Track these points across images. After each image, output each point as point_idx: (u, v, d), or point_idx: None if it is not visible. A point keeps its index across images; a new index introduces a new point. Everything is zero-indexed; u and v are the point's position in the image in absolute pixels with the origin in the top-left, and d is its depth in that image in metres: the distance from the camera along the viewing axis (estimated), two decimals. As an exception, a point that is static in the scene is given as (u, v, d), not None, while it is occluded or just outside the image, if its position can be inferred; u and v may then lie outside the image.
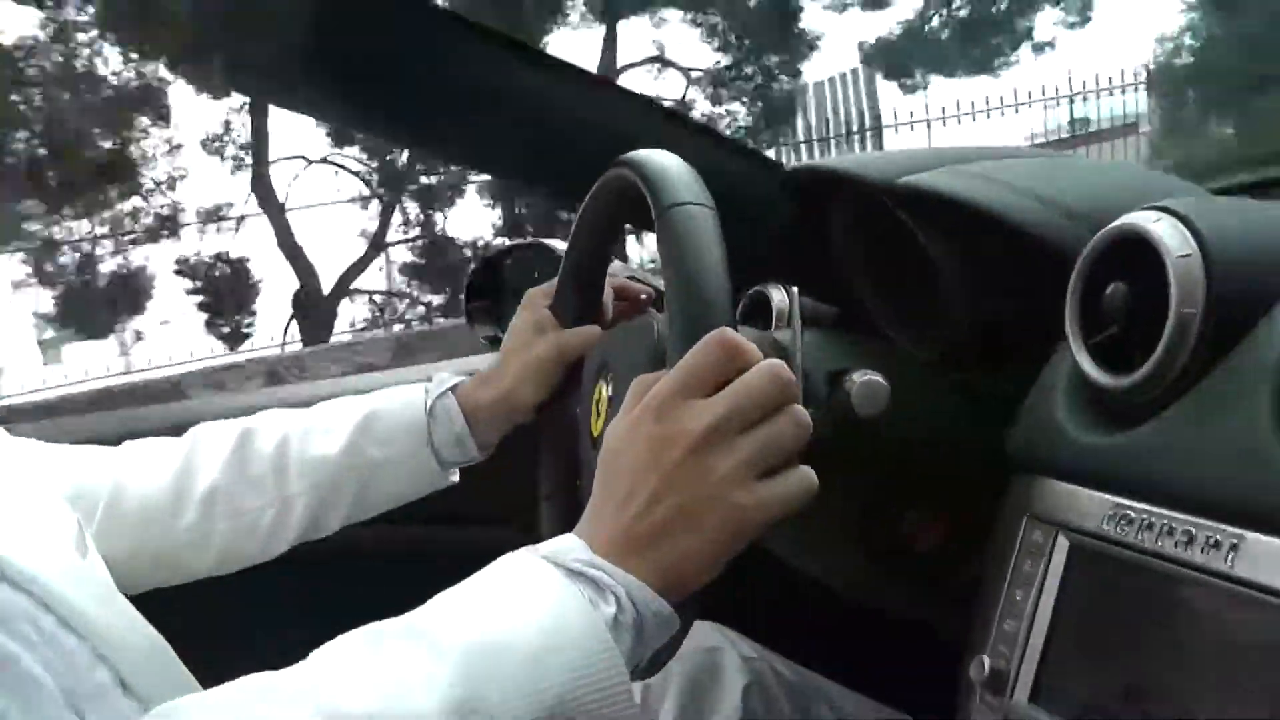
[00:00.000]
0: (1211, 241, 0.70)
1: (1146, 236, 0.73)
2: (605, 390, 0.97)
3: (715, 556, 0.68)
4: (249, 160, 11.42)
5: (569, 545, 0.67)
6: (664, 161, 0.83)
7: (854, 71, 13.92)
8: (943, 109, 11.42)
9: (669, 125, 1.11)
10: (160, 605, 0.89)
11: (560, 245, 1.29)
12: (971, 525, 0.90)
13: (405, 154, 11.04)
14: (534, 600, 0.64)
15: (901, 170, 0.97)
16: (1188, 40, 11.91)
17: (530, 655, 0.61)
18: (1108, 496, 0.73)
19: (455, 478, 1.10)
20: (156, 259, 11.75)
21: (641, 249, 9.33)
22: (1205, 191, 0.89)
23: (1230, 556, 0.62)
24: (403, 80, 1.07)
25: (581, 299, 1.07)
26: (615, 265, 1.12)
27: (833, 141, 12.68)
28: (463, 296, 1.39)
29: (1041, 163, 0.98)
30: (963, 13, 12.94)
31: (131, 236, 11.60)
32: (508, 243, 1.39)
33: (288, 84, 1.11)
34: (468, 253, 11.43)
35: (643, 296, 1.13)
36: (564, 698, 0.61)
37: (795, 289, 0.96)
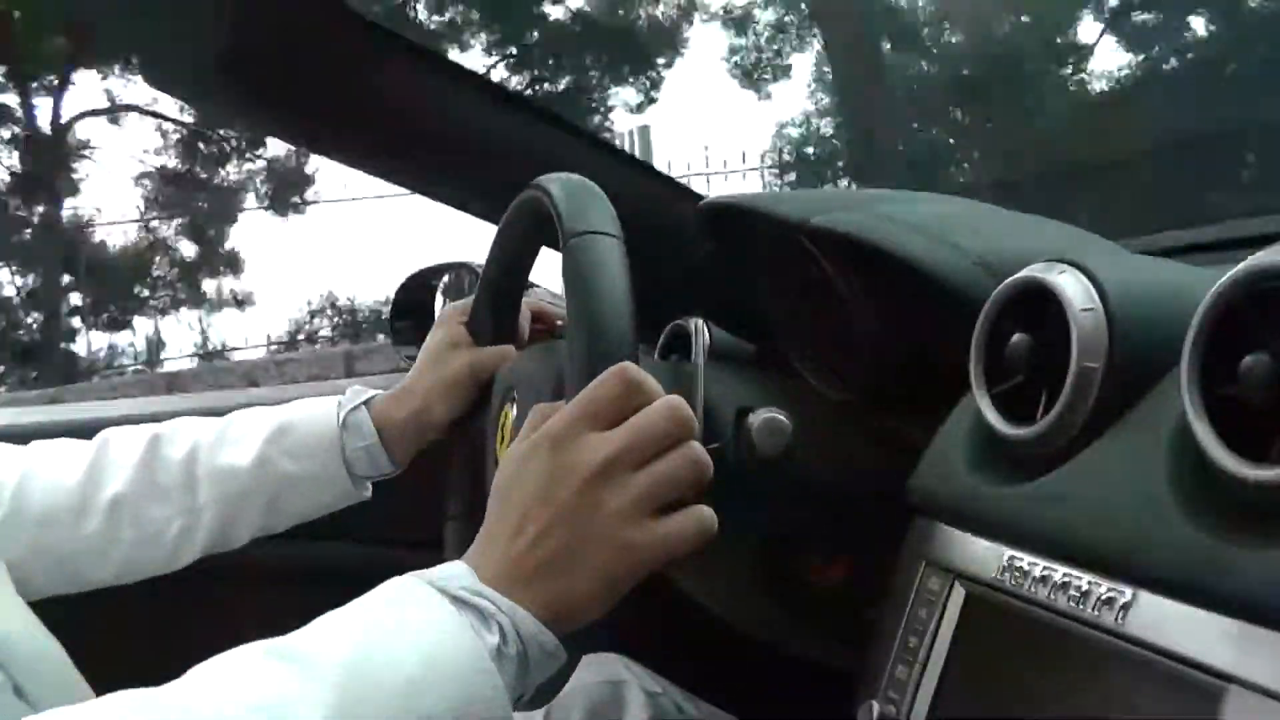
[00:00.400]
0: (1115, 297, 0.70)
1: (1050, 288, 0.73)
2: (511, 413, 0.95)
3: (604, 593, 0.67)
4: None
5: (456, 572, 0.66)
6: (574, 188, 0.82)
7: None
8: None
9: (591, 150, 1.10)
10: (59, 611, 0.86)
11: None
12: (872, 568, 0.90)
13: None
14: (416, 626, 0.62)
15: (815, 209, 0.97)
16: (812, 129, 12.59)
17: (409, 682, 0.60)
18: (1004, 547, 0.72)
19: (368, 493, 1.08)
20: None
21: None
22: (1122, 249, 0.89)
23: (1122, 615, 0.62)
24: (321, 87, 1.05)
25: (497, 318, 1.06)
26: (538, 290, 1.11)
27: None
28: (388, 314, 1.37)
29: (958, 209, 0.98)
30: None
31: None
32: (432, 265, 1.37)
33: (202, 83, 1.09)
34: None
35: (559, 322, 1.12)
36: None
37: (700, 322, 0.95)
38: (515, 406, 0.95)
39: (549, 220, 0.83)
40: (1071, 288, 0.72)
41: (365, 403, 1.06)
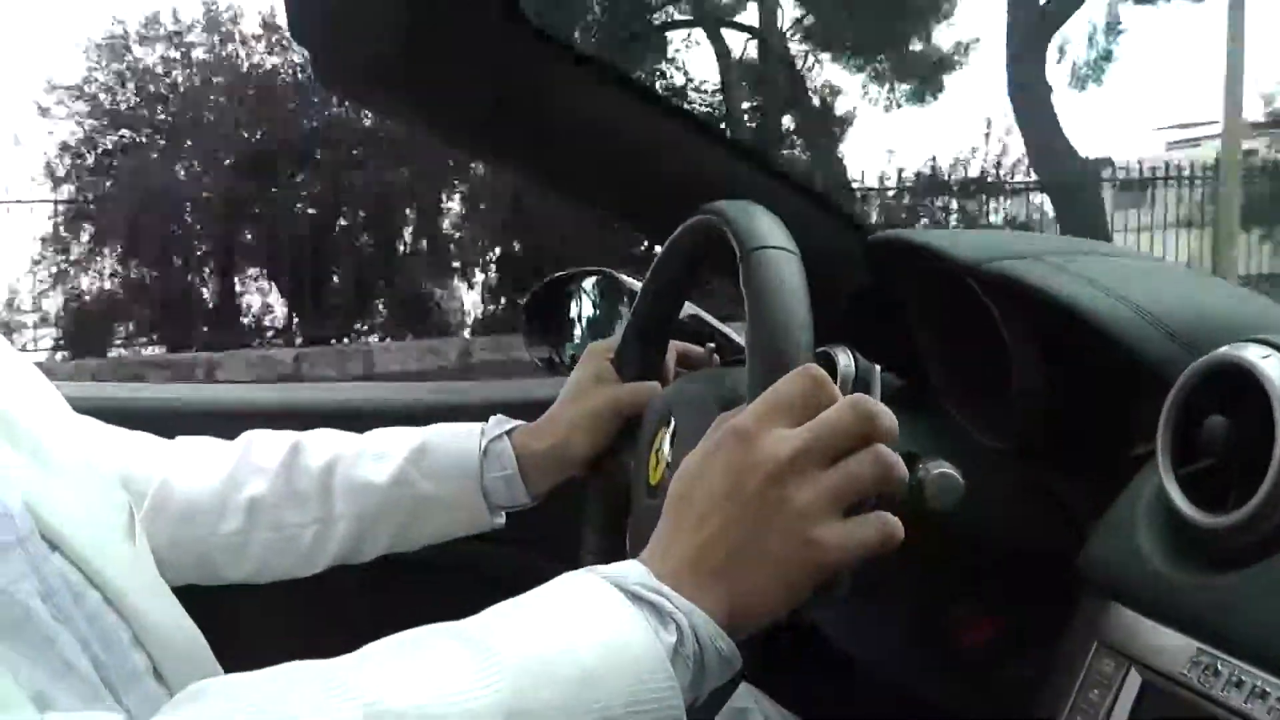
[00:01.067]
0: None
1: (1253, 372, 0.70)
2: (666, 437, 0.94)
3: (784, 593, 0.66)
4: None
5: (632, 569, 0.65)
6: (749, 208, 0.83)
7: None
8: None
9: (760, 174, 1.09)
10: (198, 602, 0.88)
11: (627, 279, 1.27)
12: (1024, 630, 0.88)
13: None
14: (593, 619, 0.62)
15: (992, 254, 0.95)
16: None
17: (585, 672, 0.59)
18: (1193, 641, 0.70)
19: (501, 521, 1.08)
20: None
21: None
22: None
23: (1328, 734, 0.60)
24: (488, 91, 1.05)
25: (644, 356, 1.06)
26: (697, 313, 1.10)
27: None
28: (522, 315, 1.37)
29: (1142, 268, 0.95)
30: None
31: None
32: (572, 270, 1.37)
33: (375, 81, 1.09)
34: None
35: (708, 358, 1.12)
36: None
37: (877, 367, 0.94)
38: (672, 431, 0.94)
39: (717, 244, 0.83)
40: (1275, 371, 0.69)
41: (507, 432, 1.06)
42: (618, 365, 1.07)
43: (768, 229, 0.79)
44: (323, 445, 1.06)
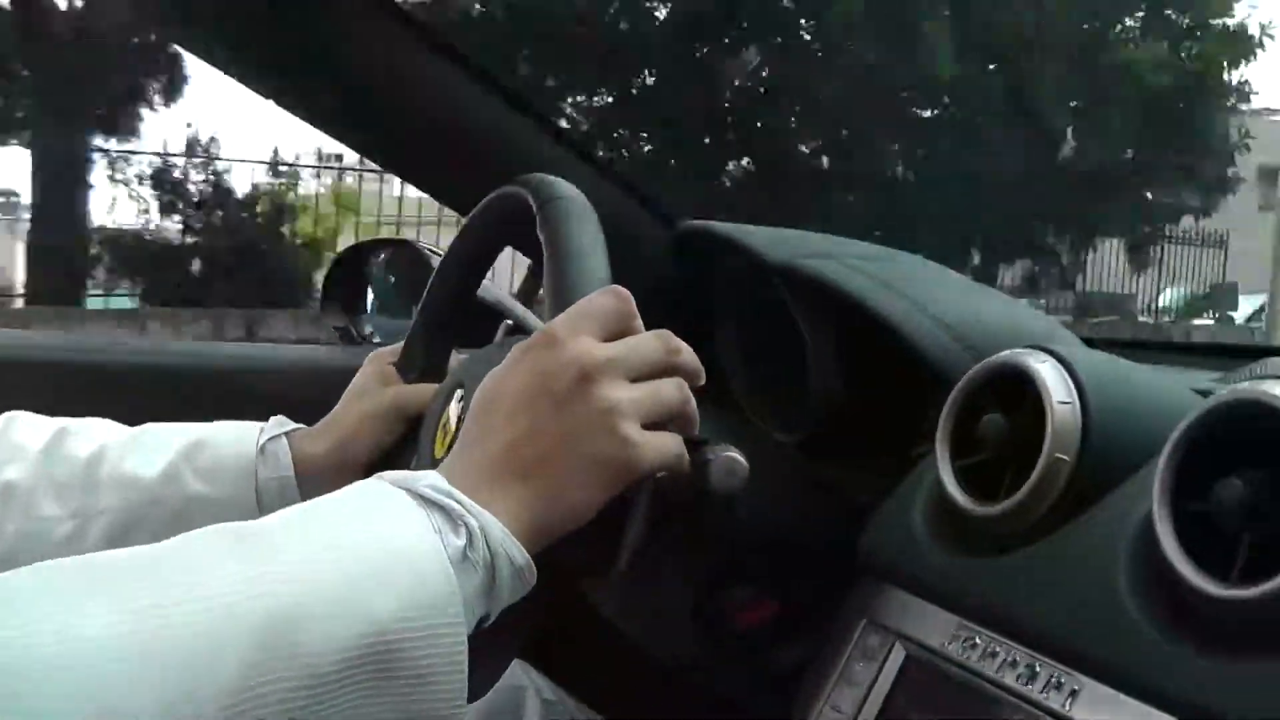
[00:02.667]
0: (1093, 394, 0.74)
1: (1032, 377, 0.76)
2: (454, 408, 0.94)
3: (591, 494, 0.66)
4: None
5: (426, 474, 0.64)
6: (547, 176, 0.84)
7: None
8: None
9: (573, 157, 1.11)
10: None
11: (430, 251, 1.27)
12: (800, 614, 0.92)
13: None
14: (373, 522, 0.60)
15: (795, 251, 0.99)
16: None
17: (357, 576, 0.57)
18: (955, 616, 0.75)
19: None
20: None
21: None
22: (1077, 339, 0.94)
23: (1070, 700, 0.66)
24: (319, 58, 1.03)
25: (430, 353, 1.04)
26: (489, 286, 1.09)
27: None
28: (322, 282, 1.35)
29: (933, 277, 1.01)
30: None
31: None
32: (371, 239, 1.36)
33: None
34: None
35: (505, 322, 1.12)
36: (386, 627, 0.57)
37: None
38: (460, 398, 0.93)
39: (518, 217, 0.84)
40: (1052, 378, 0.75)
41: (287, 433, 1.01)
42: (402, 366, 1.05)
43: (562, 184, 0.81)
44: (91, 433, 0.99)
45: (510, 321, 1.13)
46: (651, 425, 0.68)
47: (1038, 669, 0.68)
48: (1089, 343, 1.05)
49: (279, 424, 1.01)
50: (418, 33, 1.04)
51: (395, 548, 0.59)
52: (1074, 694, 0.66)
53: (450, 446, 0.92)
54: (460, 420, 0.92)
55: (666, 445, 0.69)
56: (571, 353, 0.67)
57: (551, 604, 0.69)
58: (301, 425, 1.02)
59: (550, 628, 0.77)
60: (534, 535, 0.64)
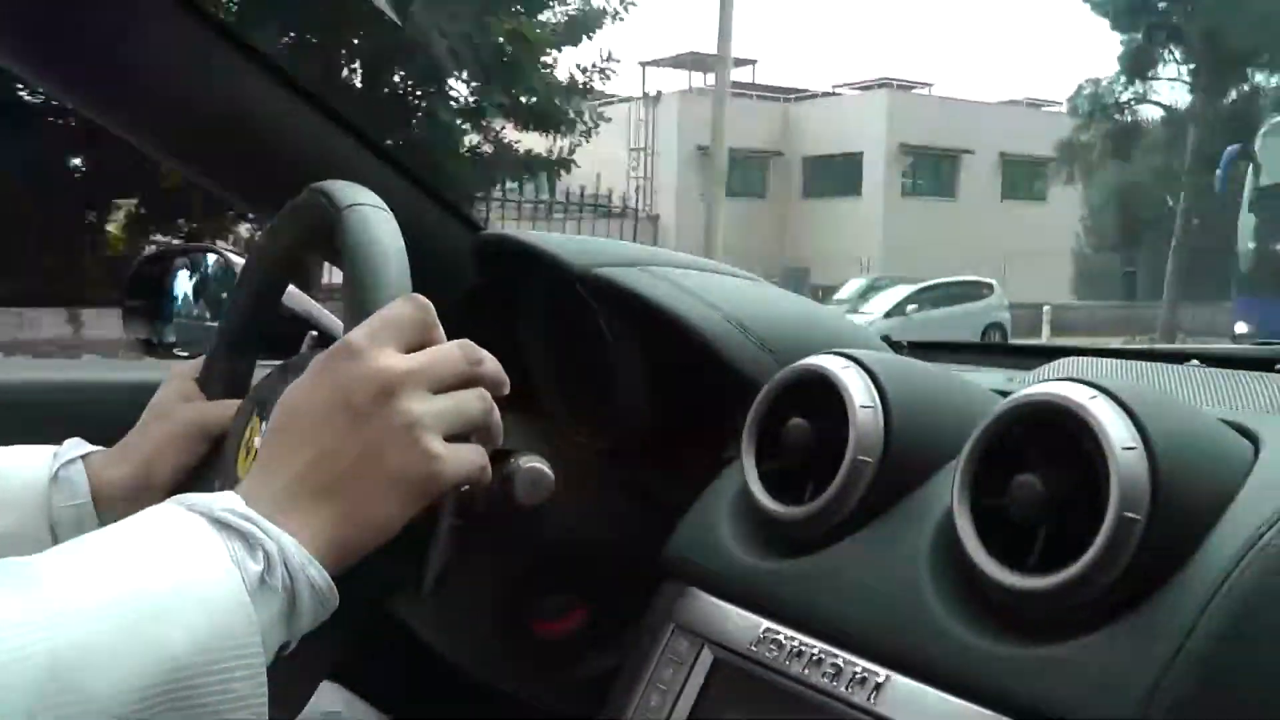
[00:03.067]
0: (894, 397, 0.76)
1: (834, 382, 0.78)
2: (258, 427, 0.90)
3: (394, 511, 0.64)
4: None
5: (223, 496, 0.61)
6: (347, 183, 0.82)
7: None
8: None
9: (374, 160, 1.08)
10: None
11: (237, 258, 1.21)
12: (612, 622, 0.92)
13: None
14: (166, 550, 0.57)
15: (597, 260, 0.99)
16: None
17: (147, 610, 0.54)
18: (761, 619, 0.76)
19: None
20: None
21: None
22: (882, 343, 0.97)
23: (874, 694, 0.67)
24: (93, 43, 0.98)
25: (233, 369, 0.99)
26: (294, 292, 1.05)
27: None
28: (123, 290, 1.27)
29: (734, 284, 1.02)
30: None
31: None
32: (175, 244, 1.29)
33: None
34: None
35: (311, 332, 1.08)
36: (181, 664, 0.54)
37: None
38: (262, 417, 0.90)
39: (317, 226, 0.82)
40: (854, 383, 0.77)
41: (84, 456, 0.93)
42: (204, 382, 1.00)
43: (362, 192, 0.80)
44: None
45: (316, 332, 1.09)
46: (454, 437, 0.67)
47: (843, 666, 0.70)
48: (896, 346, 1.09)
49: (74, 446, 0.93)
50: (214, 30, 1.00)
51: (190, 579, 0.56)
52: (878, 688, 0.67)
53: (252, 460, 0.88)
54: (264, 436, 0.88)
55: (469, 458, 0.68)
56: (371, 365, 0.65)
57: (360, 623, 0.67)
58: (98, 447, 0.95)
59: (360, 647, 0.74)
60: (336, 555, 0.62)
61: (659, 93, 26.52)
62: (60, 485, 0.91)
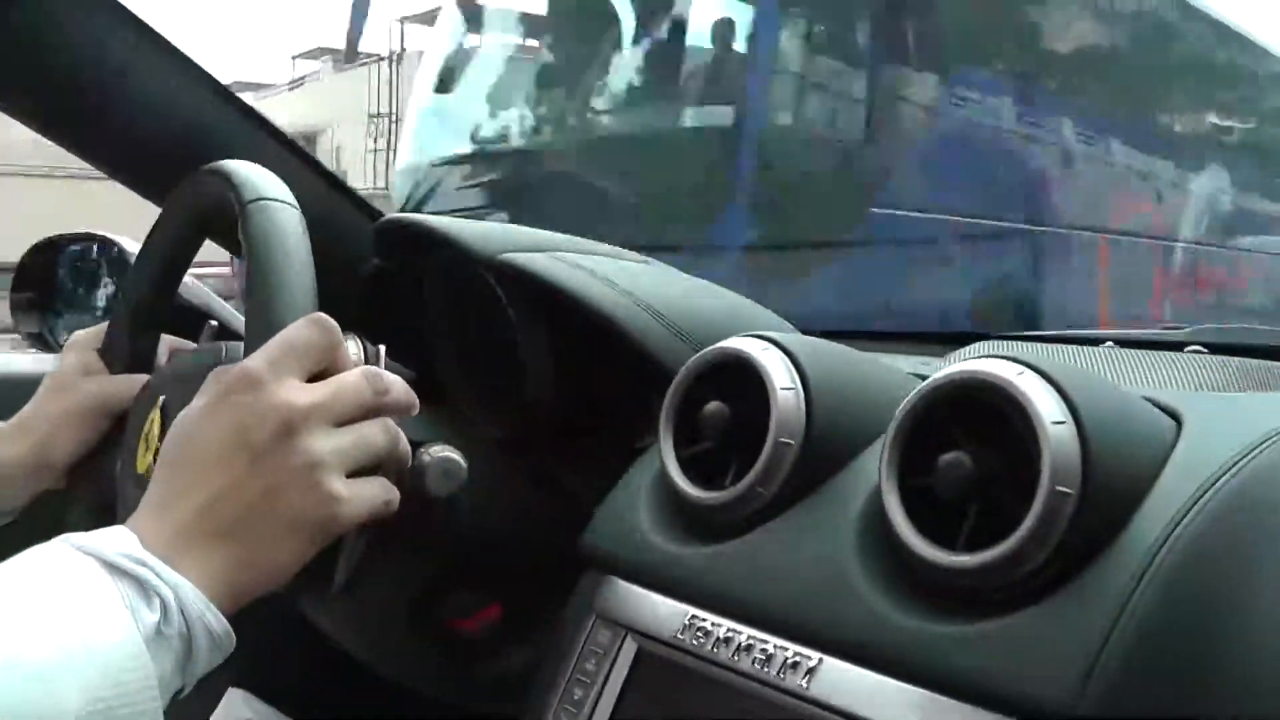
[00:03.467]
0: (815, 379, 0.75)
1: (753, 364, 0.77)
2: (157, 419, 0.86)
3: (294, 553, 0.63)
4: None
5: (115, 536, 0.59)
6: (251, 166, 0.80)
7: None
8: None
9: (271, 144, 1.04)
10: None
11: (128, 246, 1.16)
12: (527, 616, 0.89)
13: None
14: (56, 601, 0.54)
15: (504, 245, 0.96)
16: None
17: (40, 671, 0.51)
18: (686, 606, 0.74)
19: None
20: None
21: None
22: (795, 329, 0.96)
23: (807, 679, 0.66)
24: None
25: (135, 343, 0.95)
26: (189, 283, 1.01)
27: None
28: (11, 282, 1.20)
29: (642, 269, 1.01)
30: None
31: None
32: (63, 233, 1.22)
33: None
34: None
35: (210, 322, 1.03)
36: None
37: (382, 348, 0.92)
38: (164, 413, 0.86)
39: (217, 207, 0.79)
40: (773, 364, 0.76)
41: None
42: (106, 355, 0.95)
43: (268, 182, 0.77)
44: None
45: (215, 322, 1.05)
46: (359, 472, 0.65)
47: (773, 651, 0.68)
48: (807, 333, 1.08)
49: None
50: (107, 8, 0.95)
51: (83, 632, 0.53)
52: (811, 672, 0.66)
53: (155, 459, 0.83)
54: (164, 431, 0.84)
55: (373, 494, 0.67)
56: (272, 400, 0.63)
57: (267, 625, 0.64)
58: None
59: (269, 652, 0.71)
60: (233, 599, 0.60)
61: (403, 49, 21.30)
62: None
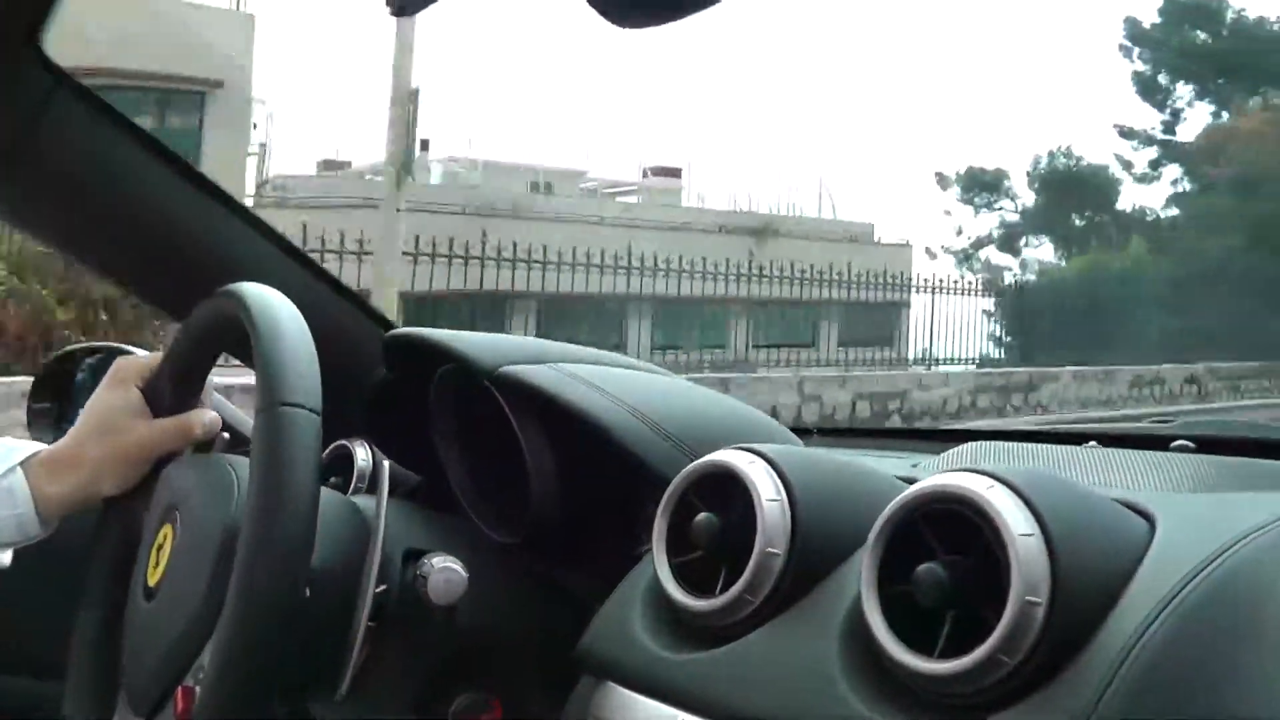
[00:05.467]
0: (800, 490, 0.78)
1: (740, 477, 0.80)
2: (170, 535, 0.89)
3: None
4: None
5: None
6: (283, 328, 0.82)
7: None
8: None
9: (284, 258, 1.08)
10: None
11: (146, 357, 1.20)
12: (526, 716, 0.91)
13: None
14: None
15: (506, 358, 1.00)
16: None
17: None
18: (677, 711, 0.76)
19: (7, 560, 0.95)
20: None
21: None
22: (791, 434, 0.98)
23: (789, 784, 0.68)
24: (9, 142, 0.97)
25: (178, 392, 0.98)
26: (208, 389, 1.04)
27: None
28: (26, 397, 1.24)
29: (644, 379, 1.04)
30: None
31: None
32: (83, 344, 1.26)
33: None
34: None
35: (223, 433, 1.07)
36: None
37: (386, 462, 0.95)
38: (177, 528, 0.89)
39: (241, 335, 0.82)
40: (759, 477, 0.79)
41: (22, 464, 0.94)
42: (149, 395, 0.97)
43: (295, 375, 0.80)
44: None
45: (227, 434, 1.08)
46: None
47: (755, 755, 0.70)
48: (806, 433, 1.11)
49: (11, 452, 0.95)
50: (124, 126, 1.00)
51: None
52: (795, 777, 0.68)
53: (163, 575, 0.86)
54: (174, 548, 0.87)
55: None
56: None
57: None
58: (36, 448, 0.96)
59: None
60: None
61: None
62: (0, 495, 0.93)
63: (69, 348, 1.27)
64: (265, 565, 0.74)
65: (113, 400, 0.97)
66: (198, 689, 0.80)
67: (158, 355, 1.00)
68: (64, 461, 0.95)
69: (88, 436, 0.96)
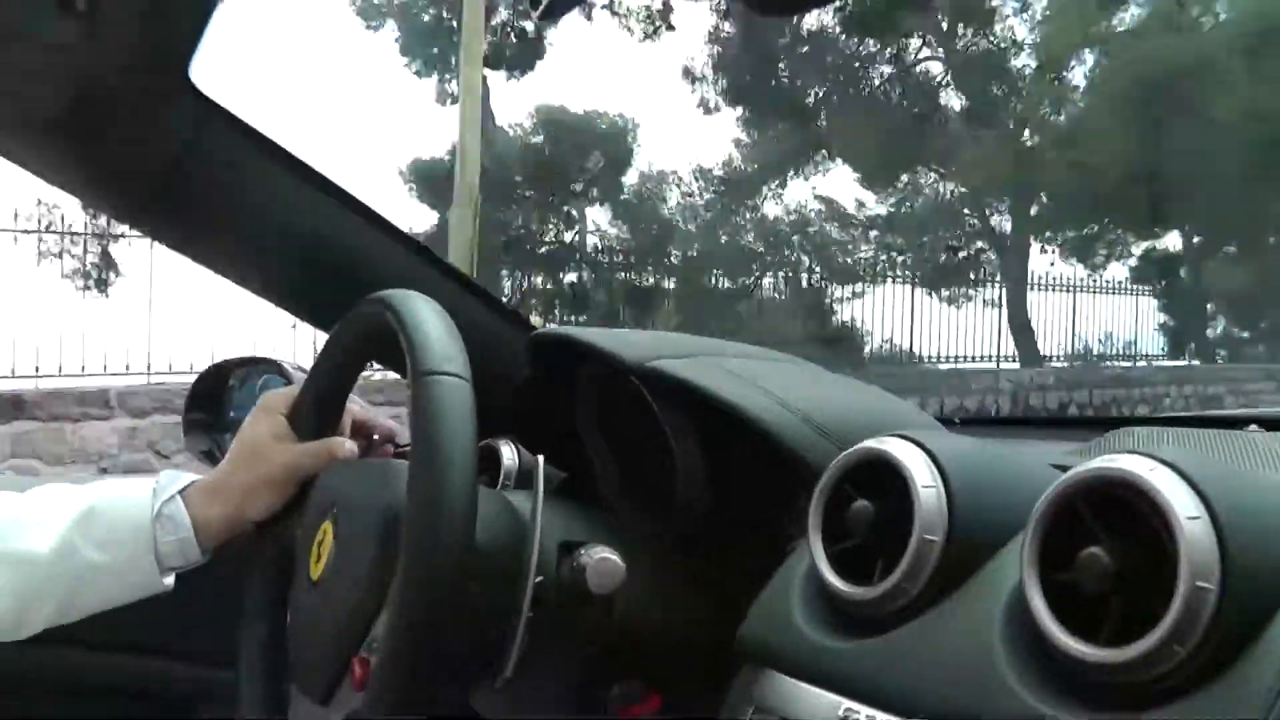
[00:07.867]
0: (955, 476, 0.78)
1: (896, 464, 0.80)
2: (330, 530, 0.93)
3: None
4: None
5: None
6: (426, 316, 0.87)
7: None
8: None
9: (422, 264, 1.12)
10: None
11: (294, 369, 1.25)
12: (686, 707, 0.93)
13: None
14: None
15: (651, 353, 1.02)
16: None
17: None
18: (840, 698, 0.77)
19: (170, 584, 1.02)
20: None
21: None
22: (936, 423, 0.98)
23: (956, 772, 0.68)
24: (150, 161, 1.02)
25: (321, 416, 1.04)
26: (357, 403, 1.09)
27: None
28: (184, 405, 1.30)
29: (790, 370, 1.05)
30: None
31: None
32: (240, 355, 1.33)
33: (23, 139, 1.03)
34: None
35: (378, 439, 1.11)
36: None
37: (540, 458, 0.97)
38: (336, 524, 0.93)
39: (386, 339, 0.86)
40: (915, 464, 0.79)
41: (182, 491, 1.02)
42: (293, 422, 1.04)
43: (443, 349, 0.84)
44: None
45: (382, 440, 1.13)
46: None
47: (922, 742, 0.71)
48: (949, 423, 1.10)
49: (170, 481, 1.02)
50: (270, 149, 1.05)
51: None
52: (960, 765, 0.68)
53: (325, 568, 0.91)
54: (336, 540, 0.91)
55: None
56: None
57: (438, 715, 0.69)
58: (193, 478, 1.03)
59: None
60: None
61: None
62: (163, 522, 1.01)
63: (219, 361, 1.33)
64: (433, 513, 0.78)
65: (259, 429, 1.04)
66: (373, 660, 0.84)
67: (300, 384, 1.07)
68: (217, 489, 1.03)
69: (237, 465, 1.03)
